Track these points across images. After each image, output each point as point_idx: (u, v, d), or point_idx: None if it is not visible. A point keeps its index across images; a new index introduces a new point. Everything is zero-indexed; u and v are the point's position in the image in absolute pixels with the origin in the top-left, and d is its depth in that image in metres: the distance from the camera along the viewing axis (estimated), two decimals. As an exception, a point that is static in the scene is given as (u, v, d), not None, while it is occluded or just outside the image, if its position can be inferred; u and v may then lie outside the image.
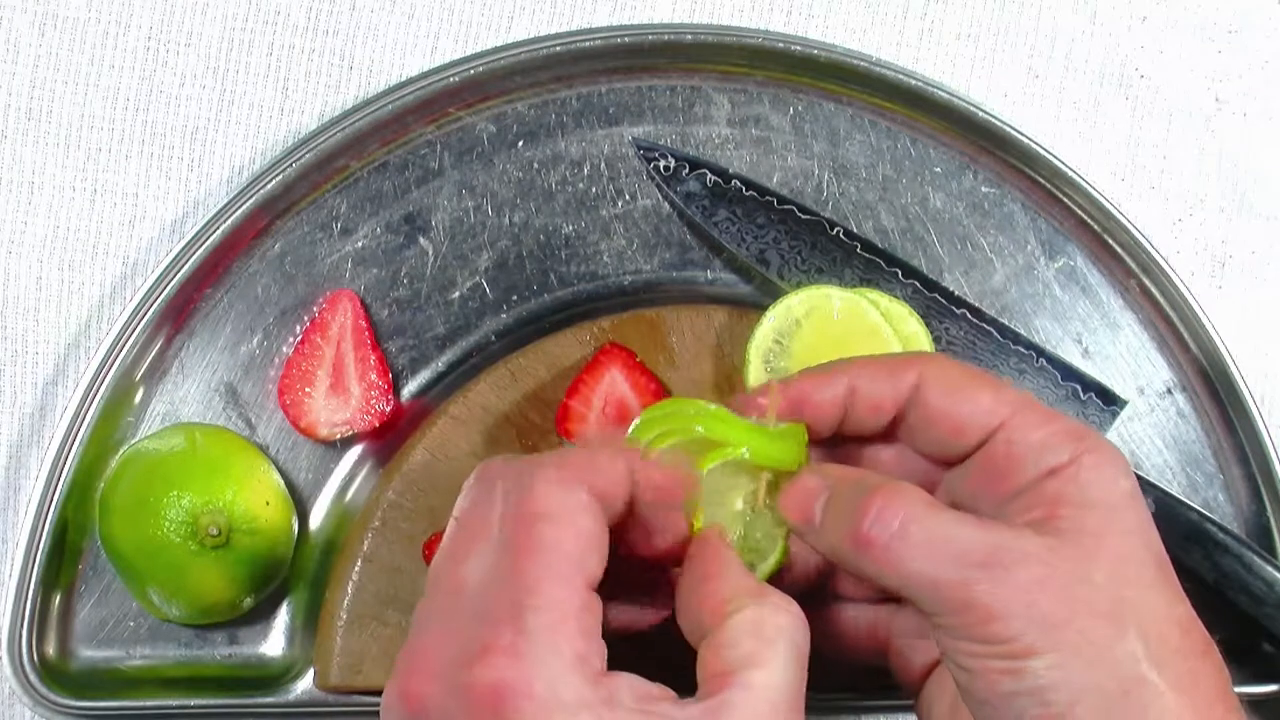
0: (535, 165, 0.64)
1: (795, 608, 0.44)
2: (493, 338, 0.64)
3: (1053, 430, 0.46)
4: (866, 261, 0.62)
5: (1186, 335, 0.64)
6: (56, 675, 0.61)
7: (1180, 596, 0.46)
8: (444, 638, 0.42)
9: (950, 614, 0.45)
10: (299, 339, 0.63)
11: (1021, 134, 0.63)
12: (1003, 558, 0.44)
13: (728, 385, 0.61)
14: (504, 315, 0.64)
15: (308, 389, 0.62)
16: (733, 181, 0.62)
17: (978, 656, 0.44)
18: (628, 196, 0.64)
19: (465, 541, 0.43)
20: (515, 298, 0.64)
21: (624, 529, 0.46)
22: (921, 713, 0.50)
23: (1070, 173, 0.63)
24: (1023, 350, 0.62)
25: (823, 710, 0.63)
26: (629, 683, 0.41)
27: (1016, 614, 0.43)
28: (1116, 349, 0.64)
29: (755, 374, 0.58)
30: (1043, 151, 0.63)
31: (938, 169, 0.64)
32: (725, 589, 0.44)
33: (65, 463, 0.61)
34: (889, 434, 0.50)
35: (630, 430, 0.48)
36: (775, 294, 0.61)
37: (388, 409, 0.62)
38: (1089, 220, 0.64)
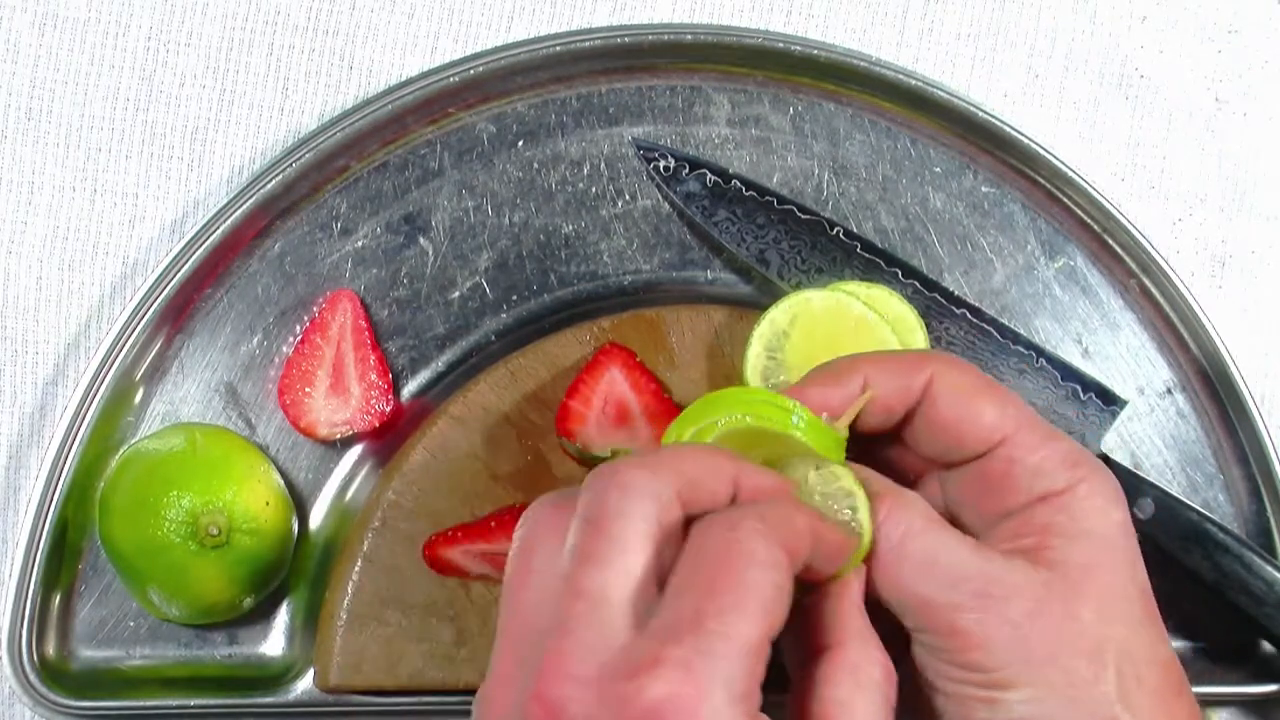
0: (535, 165, 0.64)
1: (887, 659, 0.44)
2: (493, 338, 0.64)
3: (1050, 453, 0.46)
4: (866, 261, 0.62)
5: (1186, 335, 0.64)
6: (56, 675, 0.61)
7: (1163, 635, 0.46)
8: (593, 645, 0.40)
9: (935, 635, 0.45)
10: (299, 339, 0.63)
11: (1021, 134, 0.63)
12: (994, 589, 0.44)
13: (727, 385, 0.61)
14: (504, 315, 0.64)
15: (308, 389, 0.62)
16: (733, 181, 0.62)
17: (957, 682, 0.45)
18: (628, 196, 0.64)
19: (611, 554, 0.41)
20: (515, 298, 0.64)
21: None
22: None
23: (1070, 173, 0.63)
24: (1023, 350, 0.62)
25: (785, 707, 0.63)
26: None
27: (1001, 646, 0.44)
28: (1116, 349, 0.64)
29: None
30: (1043, 151, 0.63)
31: (938, 169, 0.64)
32: (841, 627, 0.44)
33: (65, 463, 0.61)
34: (890, 432, 0.50)
35: (687, 412, 0.47)
36: (775, 294, 0.61)
37: (388, 409, 0.62)
38: (1089, 220, 0.64)
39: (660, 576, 0.42)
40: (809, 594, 0.45)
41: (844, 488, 0.46)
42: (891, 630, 0.49)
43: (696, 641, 0.39)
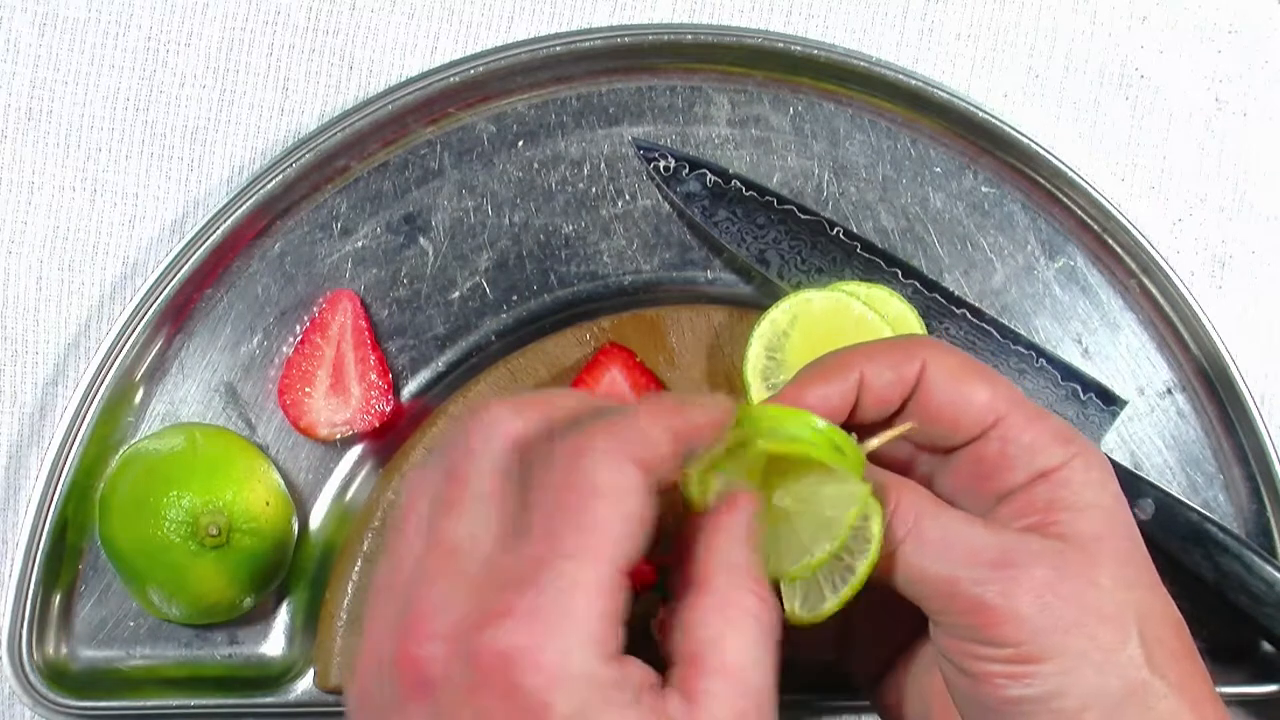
0: (535, 165, 0.64)
1: (764, 590, 0.42)
2: (493, 338, 0.64)
3: (1042, 431, 0.46)
4: (866, 261, 0.62)
5: (1186, 335, 0.64)
6: (56, 675, 0.61)
7: (1169, 597, 0.46)
8: (449, 599, 0.39)
9: (959, 614, 0.44)
10: (299, 339, 0.63)
11: (1021, 134, 0.63)
12: (1014, 558, 0.44)
13: (727, 385, 0.61)
14: (504, 315, 0.64)
15: (308, 389, 0.62)
16: (733, 181, 0.62)
17: (984, 660, 0.44)
18: (628, 196, 0.64)
19: (465, 499, 0.40)
20: (515, 298, 0.64)
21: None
22: (891, 713, 0.50)
23: (1070, 173, 0.63)
24: (1023, 350, 0.62)
25: (785, 707, 0.62)
26: (639, 669, 0.40)
27: (1027, 617, 0.43)
28: (1116, 349, 0.64)
29: (758, 394, 0.58)
30: (1043, 151, 0.63)
31: (938, 169, 0.64)
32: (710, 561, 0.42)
33: (65, 463, 0.61)
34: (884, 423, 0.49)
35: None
36: (775, 294, 0.61)
37: (388, 409, 0.62)
38: (1089, 220, 0.64)
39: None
40: (695, 515, 0.44)
41: (857, 500, 0.45)
42: (897, 625, 0.49)
43: (542, 588, 0.38)
